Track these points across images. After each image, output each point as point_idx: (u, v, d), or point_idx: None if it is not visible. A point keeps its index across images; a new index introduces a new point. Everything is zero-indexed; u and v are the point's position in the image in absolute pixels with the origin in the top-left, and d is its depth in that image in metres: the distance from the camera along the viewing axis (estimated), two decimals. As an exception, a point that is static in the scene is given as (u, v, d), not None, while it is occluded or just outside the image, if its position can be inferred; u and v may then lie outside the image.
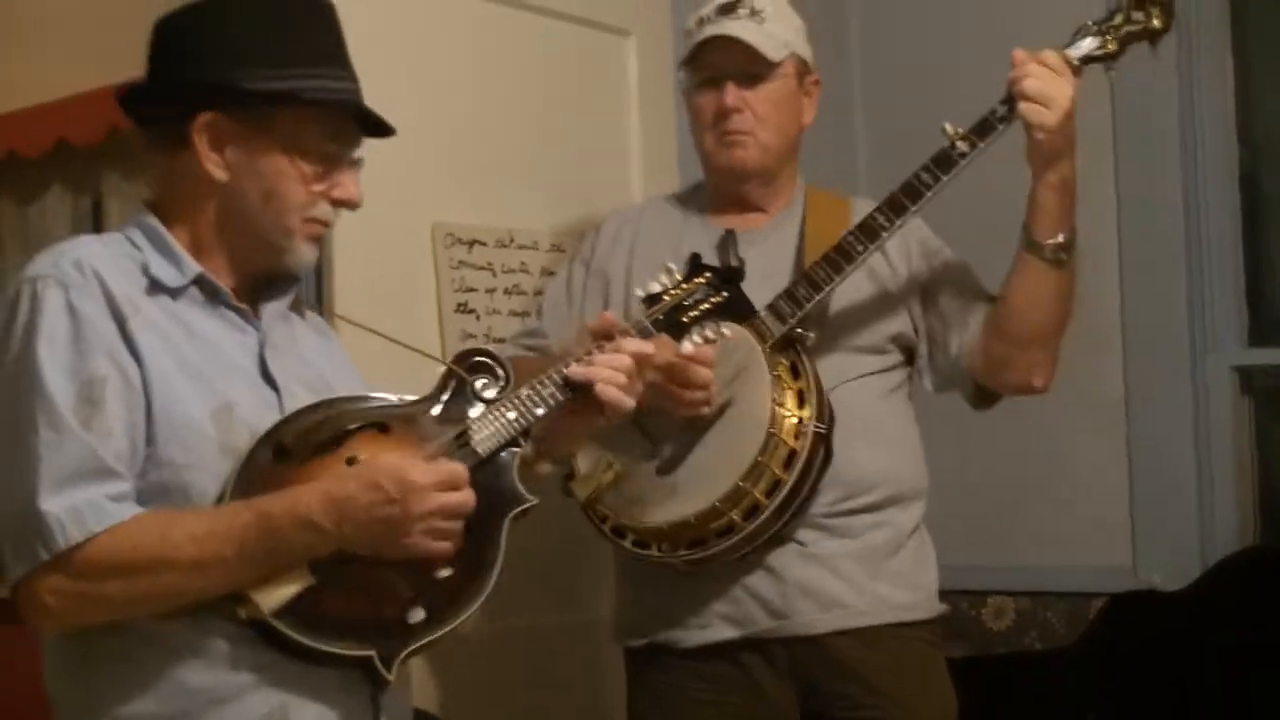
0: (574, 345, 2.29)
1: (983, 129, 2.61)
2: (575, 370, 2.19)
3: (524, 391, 2.16)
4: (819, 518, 2.70)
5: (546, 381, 2.18)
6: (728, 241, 2.69)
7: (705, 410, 2.62)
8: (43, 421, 1.91)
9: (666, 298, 2.33)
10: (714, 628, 2.72)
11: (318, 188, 2.10)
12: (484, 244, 3.24)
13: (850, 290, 2.76)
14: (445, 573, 2.01)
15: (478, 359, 2.18)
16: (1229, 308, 3.98)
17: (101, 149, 5.08)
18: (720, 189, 2.91)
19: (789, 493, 2.58)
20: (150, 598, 1.92)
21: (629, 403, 2.22)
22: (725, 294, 2.35)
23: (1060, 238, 2.62)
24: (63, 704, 2.02)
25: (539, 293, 3.21)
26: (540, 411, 2.16)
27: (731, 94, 2.77)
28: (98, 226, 4.98)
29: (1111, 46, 2.64)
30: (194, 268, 2.08)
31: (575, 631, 3.29)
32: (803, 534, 2.69)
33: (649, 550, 2.66)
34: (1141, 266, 3.96)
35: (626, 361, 2.21)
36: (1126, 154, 3.95)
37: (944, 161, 2.62)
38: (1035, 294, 2.68)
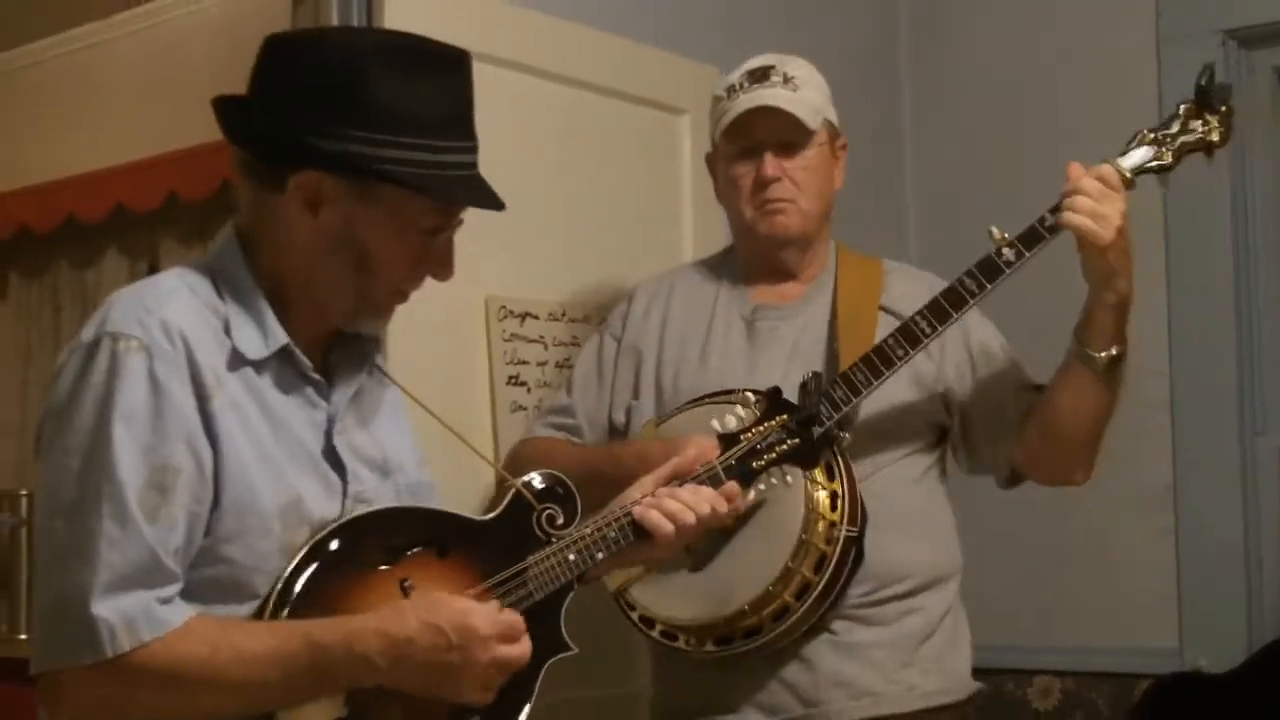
0: (640, 485, 2.25)
1: (1030, 238, 2.55)
2: (646, 517, 2.16)
3: (588, 530, 2.12)
4: (851, 608, 2.66)
5: (613, 524, 2.14)
6: (812, 383, 2.53)
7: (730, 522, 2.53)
8: (108, 511, 1.79)
9: (744, 438, 2.32)
10: (746, 715, 2.69)
11: (407, 266, 1.98)
12: (536, 317, 3.24)
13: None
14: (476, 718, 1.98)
15: (547, 485, 2.14)
16: (1278, 391, 3.98)
17: (159, 215, 5.15)
18: (756, 257, 2.88)
19: (818, 595, 2.56)
20: (181, 711, 1.84)
21: (679, 546, 2.23)
22: (798, 440, 2.34)
23: (1113, 351, 2.57)
24: None
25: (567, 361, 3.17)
26: (600, 556, 2.12)
27: (771, 163, 2.76)
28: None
29: (1167, 159, 2.56)
30: (279, 338, 1.95)
31: (612, 706, 3.26)
32: (836, 624, 2.66)
33: (675, 642, 2.65)
34: (1191, 350, 3.97)
35: (691, 519, 2.17)
36: (1177, 239, 3.96)
37: (989, 269, 2.57)
38: (1083, 402, 2.63)
